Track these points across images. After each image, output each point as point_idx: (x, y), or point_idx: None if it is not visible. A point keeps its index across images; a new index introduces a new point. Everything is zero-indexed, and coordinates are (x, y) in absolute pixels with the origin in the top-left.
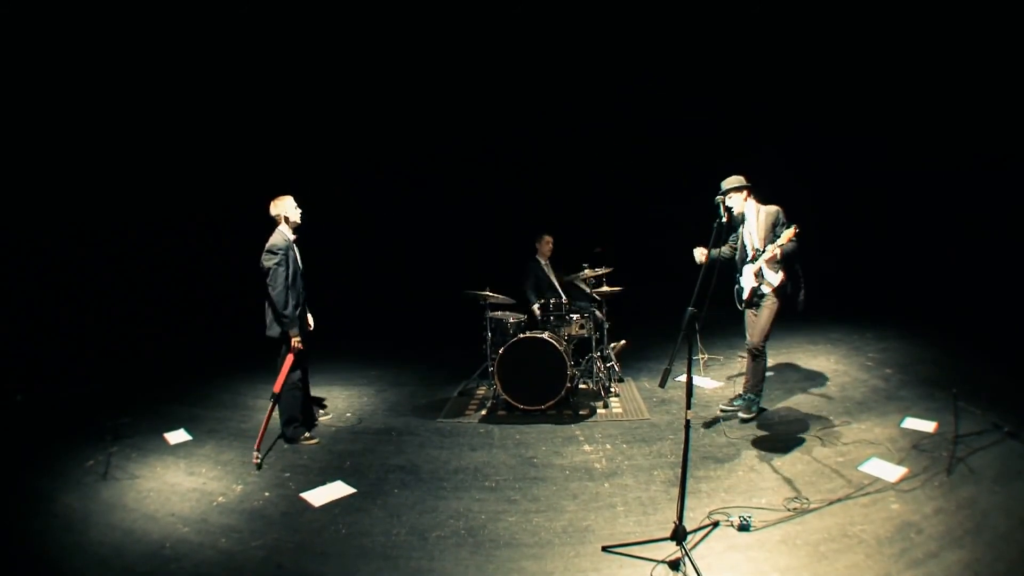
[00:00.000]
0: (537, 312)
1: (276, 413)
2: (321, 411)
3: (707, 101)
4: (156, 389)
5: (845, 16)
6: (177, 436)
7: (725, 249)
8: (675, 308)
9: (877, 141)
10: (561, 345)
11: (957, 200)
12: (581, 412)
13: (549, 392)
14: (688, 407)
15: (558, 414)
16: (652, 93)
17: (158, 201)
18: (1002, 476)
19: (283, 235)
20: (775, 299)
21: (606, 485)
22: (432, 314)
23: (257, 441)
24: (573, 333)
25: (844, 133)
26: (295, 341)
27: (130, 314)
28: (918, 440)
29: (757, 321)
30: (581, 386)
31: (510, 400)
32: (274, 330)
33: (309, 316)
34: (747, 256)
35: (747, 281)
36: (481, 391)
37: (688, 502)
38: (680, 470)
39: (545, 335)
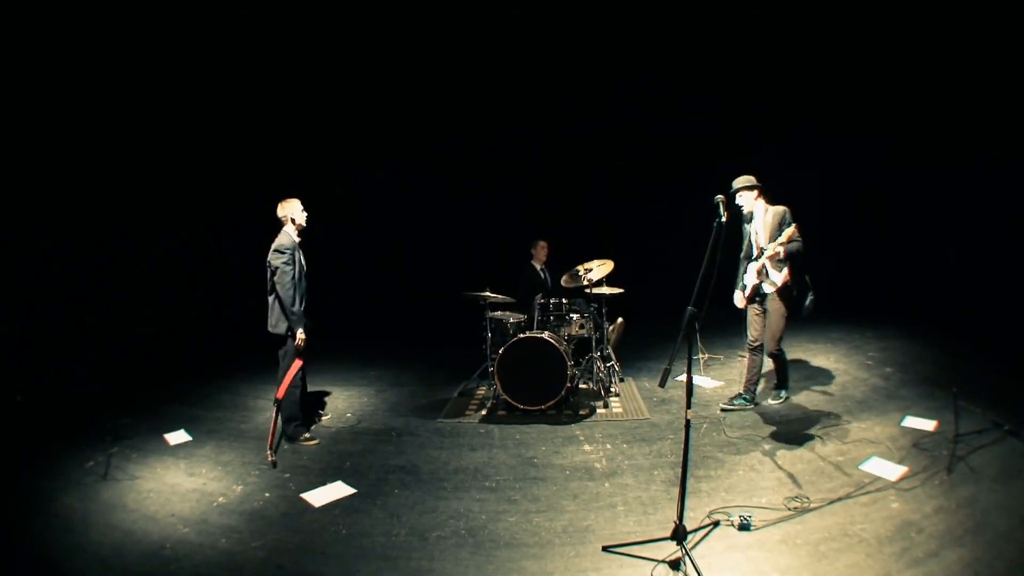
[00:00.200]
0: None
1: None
2: (320, 413)
3: (707, 101)
4: (156, 390)
5: (845, 16)
6: (177, 437)
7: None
8: (675, 308)
9: (877, 141)
10: (561, 345)
11: (957, 200)
12: (581, 412)
13: (549, 392)
14: (688, 407)
15: (558, 414)
16: (652, 93)
17: (158, 201)
18: (1002, 475)
19: (289, 236)
20: (779, 301)
21: (606, 485)
22: (432, 314)
23: (268, 442)
24: (573, 333)
25: (844, 133)
26: (300, 339)
27: (130, 314)
28: (918, 439)
29: (768, 326)
30: (581, 386)
31: (510, 400)
32: (279, 327)
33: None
34: (753, 254)
35: (750, 278)
36: (481, 391)
37: (688, 502)
38: (680, 470)
39: (545, 335)
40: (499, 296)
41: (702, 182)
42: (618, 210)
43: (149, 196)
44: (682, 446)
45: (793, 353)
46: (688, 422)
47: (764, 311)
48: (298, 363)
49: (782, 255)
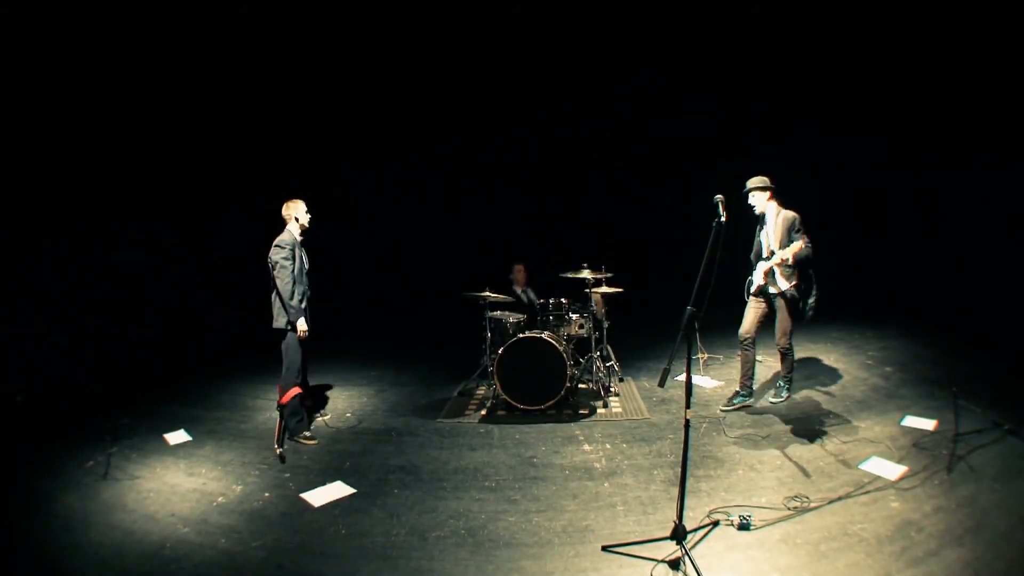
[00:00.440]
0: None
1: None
2: (320, 412)
3: (707, 101)
4: (156, 390)
5: (845, 16)
6: (177, 437)
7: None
8: (675, 308)
9: (877, 141)
10: (561, 345)
11: (957, 200)
12: (581, 412)
13: (549, 392)
14: (688, 406)
15: (558, 414)
16: (652, 93)
17: (158, 202)
18: (1002, 474)
19: (291, 234)
20: (784, 300)
21: (606, 485)
22: (432, 314)
23: (275, 438)
24: (573, 333)
25: (844, 133)
26: (301, 330)
27: (130, 314)
28: (918, 438)
29: (779, 323)
30: (581, 386)
31: (510, 400)
32: (280, 321)
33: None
34: (762, 254)
35: (757, 277)
36: (481, 391)
37: (688, 501)
38: (680, 469)
39: (545, 335)
40: (499, 296)
41: (702, 182)
42: (618, 210)
43: (149, 196)
44: (682, 446)
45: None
46: (688, 422)
47: (762, 308)
48: (297, 390)
49: (791, 262)
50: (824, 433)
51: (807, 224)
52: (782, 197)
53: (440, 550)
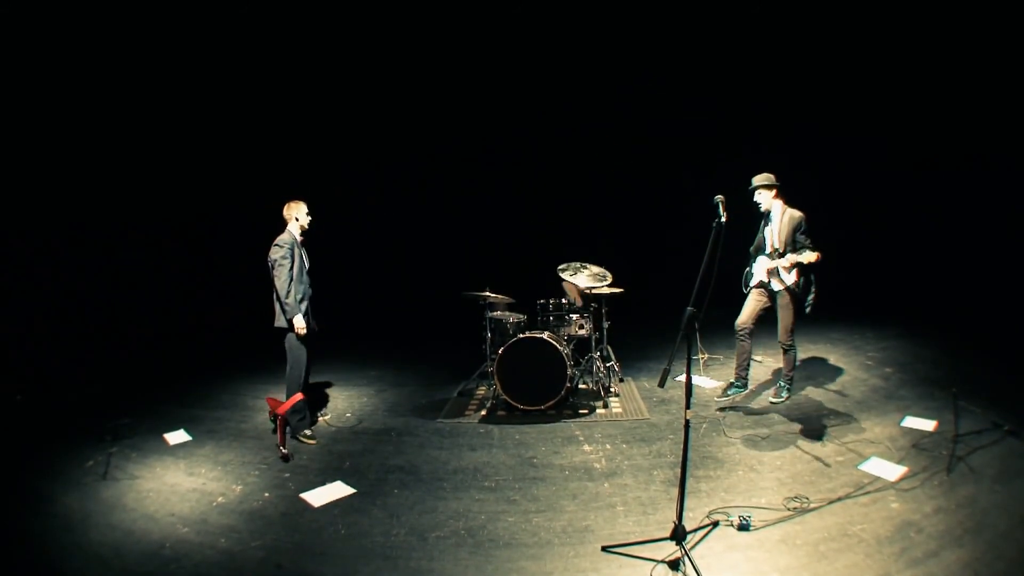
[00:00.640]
0: None
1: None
2: (320, 412)
3: (707, 101)
4: (156, 390)
5: (845, 16)
6: (177, 437)
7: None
8: (675, 308)
9: (877, 141)
10: (561, 345)
11: (957, 200)
12: (581, 412)
13: (549, 392)
14: (688, 407)
15: (558, 414)
16: (652, 93)
17: (158, 202)
18: (1002, 475)
19: (291, 234)
20: (788, 297)
21: (606, 485)
22: (432, 314)
23: (279, 441)
24: (573, 333)
25: (844, 133)
26: (298, 328)
27: (130, 314)
28: (918, 439)
29: (780, 320)
30: (581, 386)
31: (510, 400)
32: (280, 320)
33: (312, 321)
34: (765, 250)
35: (759, 272)
36: (481, 391)
37: (688, 502)
38: (680, 470)
39: (545, 335)
40: (499, 296)
41: (702, 182)
42: (618, 210)
43: (149, 196)
44: (681, 446)
45: None
46: (688, 422)
47: (762, 300)
48: (299, 396)
49: (792, 266)
50: (824, 434)
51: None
52: (786, 196)
53: (440, 550)
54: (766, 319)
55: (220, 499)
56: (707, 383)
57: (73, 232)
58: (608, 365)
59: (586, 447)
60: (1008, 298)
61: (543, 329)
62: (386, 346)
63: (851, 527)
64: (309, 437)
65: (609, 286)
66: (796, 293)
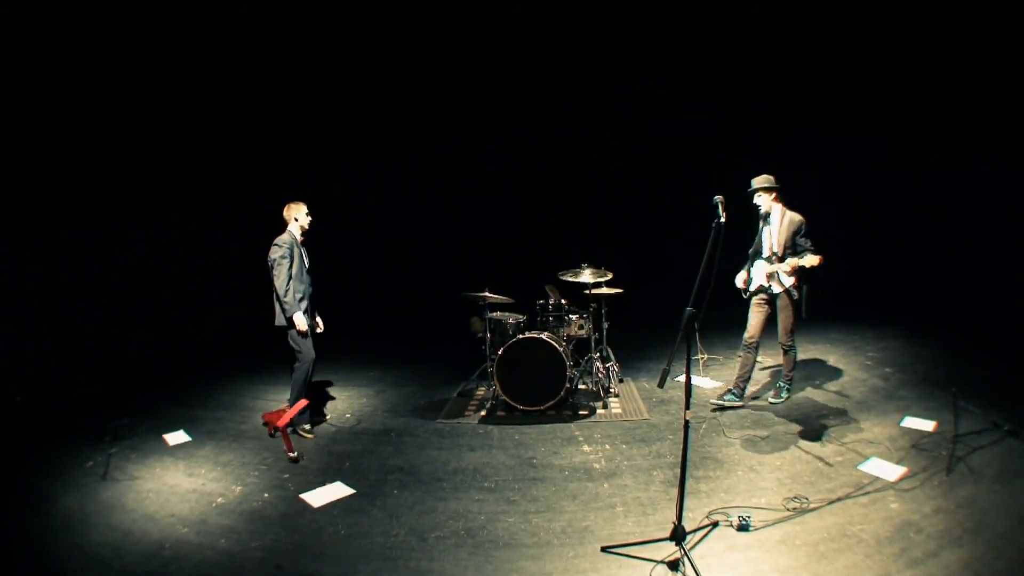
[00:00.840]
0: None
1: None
2: (320, 413)
3: (707, 101)
4: (155, 390)
5: (845, 16)
6: (176, 437)
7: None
8: (675, 308)
9: (877, 141)
10: (560, 346)
11: (957, 200)
12: (580, 412)
13: (548, 392)
14: (687, 407)
15: (557, 414)
16: (652, 93)
17: (158, 202)
18: (1002, 475)
19: (290, 234)
20: (788, 299)
21: (605, 485)
22: (432, 315)
23: (286, 449)
24: (572, 334)
25: (844, 133)
26: (298, 325)
27: (130, 315)
28: (918, 439)
29: (781, 322)
30: (580, 386)
31: (509, 401)
32: (281, 319)
33: (319, 319)
34: (762, 253)
35: (758, 276)
36: (480, 392)
37: (687, 502)
38: (679, 470)
39: (544, 336)
40: (498, 296)
41: (702, 182)
42: (618, 210)
43: (150, 196)
44: (681, 447)
45: None
46: (687, 423)
47: (766, 308)
48: (304, 402)
49: (807, 267)
50: (824, 434)
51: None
52: (785, 197)
53: (439, 551)
54: (768, 324)
55: (220, 500)
56: (707, 383)
57: (73, 232)
58: (608, 365)
59: (586, 447)
60: (1008, 298)
61: (543, 329)
62: (386, 346)
63: (851, 527)
64: (308, 431)
65: (609, 285)
66: (794, 295)
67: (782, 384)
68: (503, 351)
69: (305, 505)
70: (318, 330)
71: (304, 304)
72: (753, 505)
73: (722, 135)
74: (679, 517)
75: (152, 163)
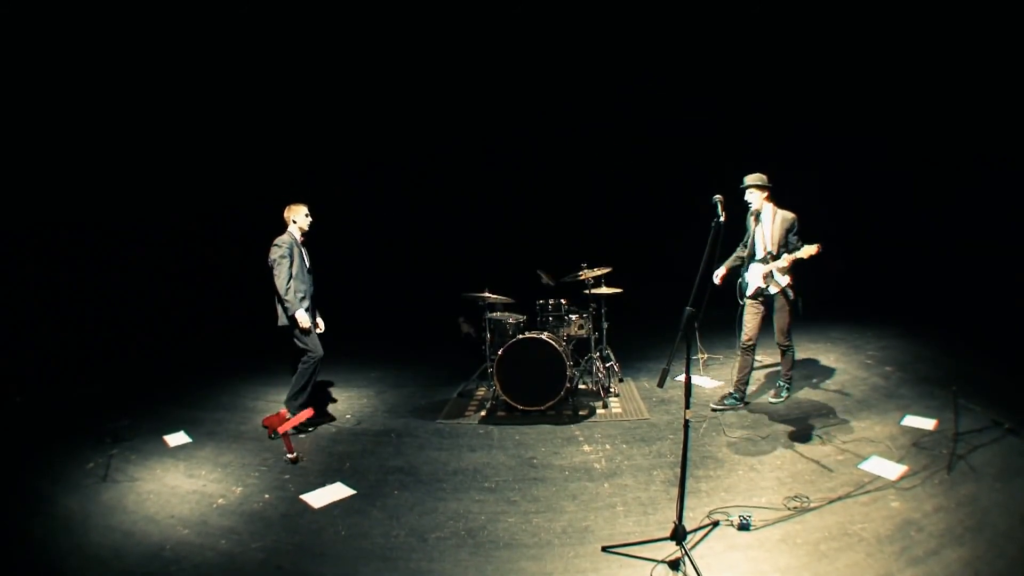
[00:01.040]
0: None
1: (286, 399)
2: (320, 414)
3: (707, 101)
4: (156, 391)
5: (845, 16)
6: (177, 438)
7: (739, 249)
8: (674, 308)
9: (877, 141)
10: (560, 345)
11: (957, 200)
12: (581, 412)
13: (549, 392)
14: (687, 407)
15: (558, 414)
16: (652, 93)
17: (158, 203)
18: (1003, 473)
19: (290, 234)
20: (784, 299)
21: (606, 485)
22: (432, 315)
23: (287, 449)
24: (572, 333)
25: (844, 133)
26: (301, 322)
27: (130, 315)
28: (918, 438)
29: (777, 322)
30: (580, 386)
31: (509, 401)
32: (283, 319)
33: (319, 319)
34: (756, 255)
35: (753, 279)
36: (480, 392)
37: (688, 502)
38: (680, 470)
39: (544, 336)
40: (498, 297)
41: (702, 182)
42: (618, 210)
43: (150, 196)
44: (681, 446)
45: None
46: (687, 422)
47: (761, 310)
48: (309, 412)
49: (805, 258)
50: (824, 433)
51: (806, 224)
52: (785, 197)
53: (440, 551)
54: (765, 325)
55: (220, 501)
56: (707, 383)
57: (73, 232)
58: (608, 365)
59: (586, 447)
60: (1008, 297)
61: (542, 329)
62: (386, 347)
63: (851, 526)
64: (305, 426)
65: (608, 285)
66: (790, 296)
67: (782, 383)
68: (503, 351)
69: (306, 506)
70: (319, 330)
71: (306, 303)
72: (754, 504)
73: (722, 135)
74: (679, 517)
75: (152, 163)
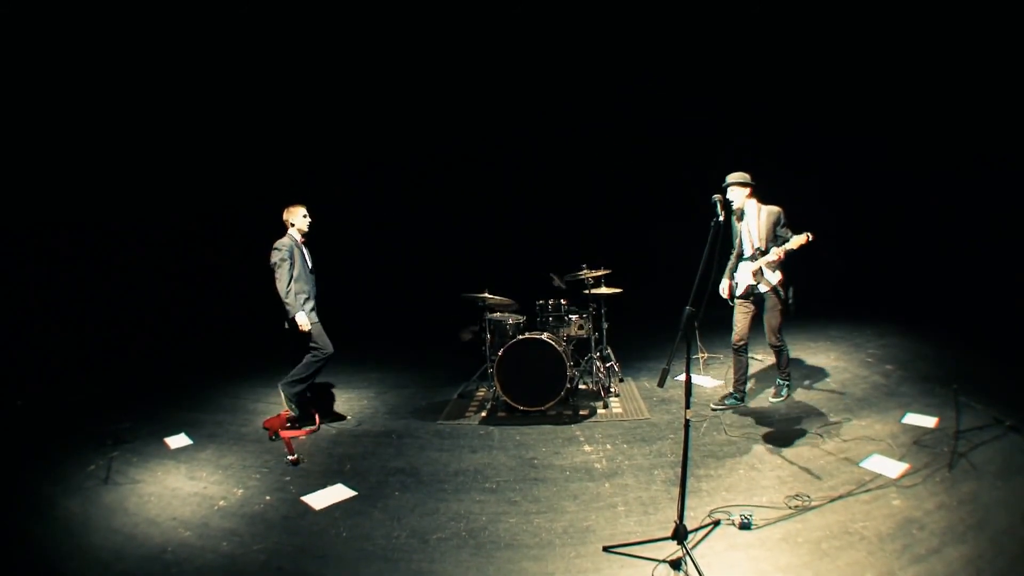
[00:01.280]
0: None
1: (285, 396)
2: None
3: (707, 101)
4: (157, 393)
5: (845, 16)
6: (178, 440)
7: (733, 256)
8: (674, 307)
9: (877, 141)
10: (560, 346)
11: (957, 199)
12: (581, 412)
13: (549, 393)
14: (688, 406)
15: (558, 415)
16: (652, 93)
17: (158, 202)
18: (1004, 471)
19: (290, 236)
20: (775, 298)
21: (607, 485)
22: (432, 316)
23: (288, 450)
24: (572, 334)
25: (844, 133)
26: (301, 325)
27: (131, 317)
28: (919, 436)
29: (767, 321)
30: (581, 386)
31: (510, 401)
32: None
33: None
34: (744, 253)
35: (743, 278)
36: (481, 393)
37: (689, 501)
38: (680, 469)
39: (544, 336)
40: (498, 297)
41: (701, 182)
42: (617, 210)
43: (150, 197)
44: (682, 446)
45: (793, 351)
46: (688, 422)
47: (751, 310)
48: (315, 427)
49: (782, 259)
50: (825, 432)
51: (806, 224)
52: (785, 197)
53: (441, 552)
54: (755, 322)
55: (221, 503)
56: (707, 382)
57: (73, 233)
58: (608, 365)
59: (587, 447)
60: (1008, 295)
61: (542, 330)
62: (386, 347)
63: (853, 525)
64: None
65: (608, 285)
66: (780, 294)
67: (781, 382)
68: (503, 352)
69: (307, 508)
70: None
71: (310, 304)
72: (755, 503)
73: (722, 135)
74: (680, 516)
75: (152, 163)
